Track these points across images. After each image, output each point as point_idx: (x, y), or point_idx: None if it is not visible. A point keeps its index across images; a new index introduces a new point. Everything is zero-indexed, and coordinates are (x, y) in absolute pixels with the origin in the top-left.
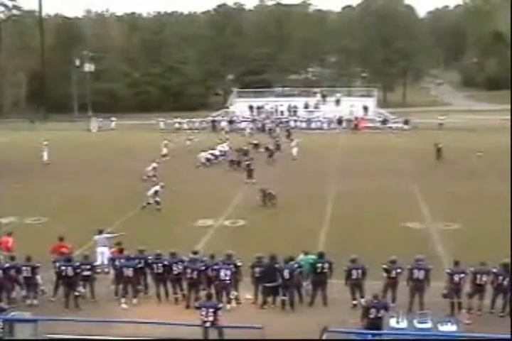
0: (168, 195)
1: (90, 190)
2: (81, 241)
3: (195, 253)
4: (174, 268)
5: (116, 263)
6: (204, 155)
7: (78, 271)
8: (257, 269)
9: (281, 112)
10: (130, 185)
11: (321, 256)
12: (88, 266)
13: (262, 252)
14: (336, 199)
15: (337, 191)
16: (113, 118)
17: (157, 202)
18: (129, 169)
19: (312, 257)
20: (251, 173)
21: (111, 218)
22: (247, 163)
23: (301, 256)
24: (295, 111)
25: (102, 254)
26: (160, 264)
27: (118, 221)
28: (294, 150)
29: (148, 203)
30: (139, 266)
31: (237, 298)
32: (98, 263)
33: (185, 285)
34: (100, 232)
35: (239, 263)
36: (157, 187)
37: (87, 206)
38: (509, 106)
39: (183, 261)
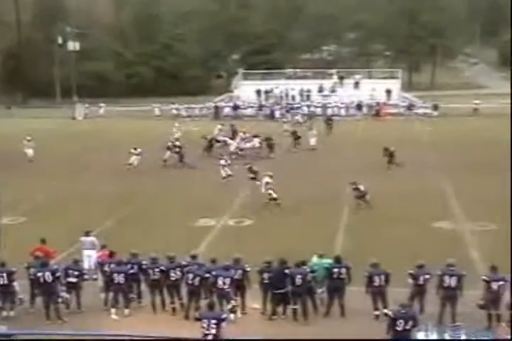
0: (166, 191)
1: (77, 187)
2: (66, 244)
3: (193, 257)
4: (172, 274)
5: (106, 268)
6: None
7: (58, 275)
8: (266, 275)
9: (293, 97)
10: (122, 181)
11: (337, 259)
12: (76, 272)
13: (271, 256)
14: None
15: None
16: (101, 104)
17: (270, 196)
18: (120, 162)
19: (327, 261)
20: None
21: (100, 218)
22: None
23: (315, 260)
24: (308, 96)
25: (89, 258)
26: (156, 269)
27: (108, 221)
28: (313, 140)
29: (274, 199)
30: (132, 271)
31: (233, 308)
32: (85, 268)
33: (184, 293)
34: (87, 234)
35: (247, 269)
36: (266, 179)
37: (73, 204)
38: None
39: (181, 266)
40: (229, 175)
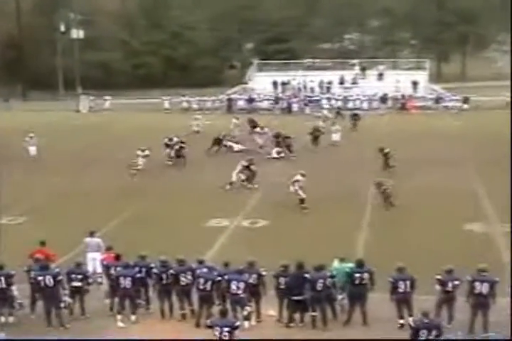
0: (174, 189)
1: (80, 185)
2: (68, 245)
3: (200, 262)
4: (182, 279)
5: (112, 271)
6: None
7: (59, 278)
8: (282, 279)
9: (312, 89)
10: (128, 179)
11: (359, 263)
12: (80, 276)
13: (288, 259)
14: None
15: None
16: (107, 97)
17: (298, 196)
18: (127, 159)
19: (349, 265)
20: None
21: (105, 217)
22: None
23: (336, 264)
24: (328, 88)
25: (94, 261)
26: (165, 273)
27: (113, 221)
28: (337, 136)
29: (301, 200)
30: (139, 275)
31: (248, 315)
32: (89, 271)
33: (195, 298)
34: (92, 234)
35: (263, 273)
36: (298, 177)
37: (75, 203)
38: None
39: (192, 270)
40: (244, 180)
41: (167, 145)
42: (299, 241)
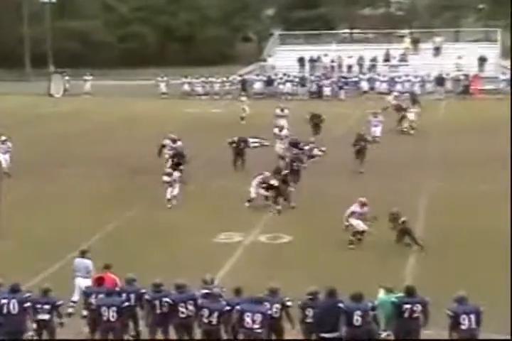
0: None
1: (56, 187)
2: (34, 269)
3: (205, 282)
4: (181, 309)
5: (92, 300)
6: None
7: (27, 305)
8: (310, 311)
9: (349, 67)
10: (115, 180)
11: (410, 292)
12: (47, 306)
13: (316, 284)
14: (430, 203)
15: (432, 190)
16: (87, 77)
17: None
18: (111, 156)
19: (398, 296)
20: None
21: (86, 229)
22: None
23: (382, 296)
24: (372, 66)
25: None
26: (159, 301)
27: (98, 233)
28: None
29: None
30: (127, 304)
31: None
32: (75, 299)
33: (198, 334)
34: (83, 254)
35: (288, 303)
36: (355, 208)
37: (50, 210)
38: None
39: (195, 299)
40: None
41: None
42: (329, 261)
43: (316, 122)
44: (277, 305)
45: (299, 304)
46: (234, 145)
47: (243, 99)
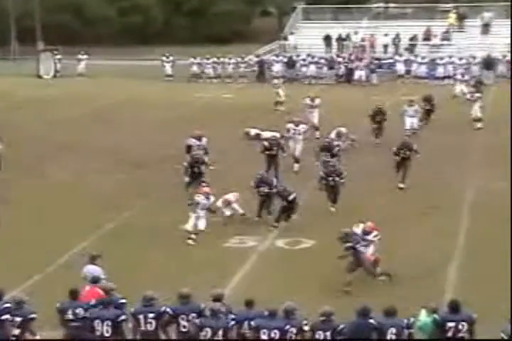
0: (184, 193)
1: (46, 182)
2: (16, 277)
3: (216, 299)
4: (182, 323)
5: (69, 315)
6: None
7: (4, 318)
8: (321, 334)
9: (385, 47)
10: (113, 174)
11: (454, 307)
12: (18, 319)
13: (341, 298)
14: (475, 204)
15: (479, 192)
16: (81, 56)
17: None
18: (109, 147)
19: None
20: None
21: (80, 230)
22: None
23: (424, 317)
24: (410, 46)
25: None
26: (143, 316)
27: (92, 235)
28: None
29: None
30: (123, 317)
31: None
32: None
33: None
34: (93, 259)
35: (306, 327)
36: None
37: (39, 209)
38: None
39: (200, 313)
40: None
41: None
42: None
43: (379, 119)
44: (293, 330)
45: (310, 325)
46: (267, 152)
47: (276, 81)
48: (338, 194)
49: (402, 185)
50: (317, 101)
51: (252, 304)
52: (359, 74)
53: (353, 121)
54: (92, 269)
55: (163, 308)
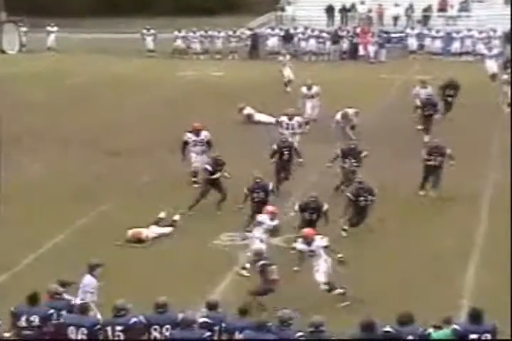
0: (167, 185)
1: (11, 174)
2: None
3: (211, 306)
4: (154, 333)
5: (22, 322)
6: None
7: None
8: None
9: (395, 19)
10: (87, 164)
11: (475, 316)
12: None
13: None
14: (494, 199)
15: (498, 187)
16: (51, 28)
17: None
18: (83, 133)
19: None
20: None
21: (49, 227)
22: None
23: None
24: (424, 18)
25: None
26: (111, 328)
27: (63, 232)
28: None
29: None
30: (98, 327)
31: None
32: None
33: None
34: (92, 269)
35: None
36: None
37: (4, 202)
38: None
39: (176, 324)
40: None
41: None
42: (362, 271)
43: (427, 113)
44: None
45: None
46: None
47: (281, 58)
48: (366, 217)
49: (432, 193)
50: (315, 89)
51: (246, 313)
52: (367, 50)
53: (358, 105)
54: (87, 280)
55: (133, 319)
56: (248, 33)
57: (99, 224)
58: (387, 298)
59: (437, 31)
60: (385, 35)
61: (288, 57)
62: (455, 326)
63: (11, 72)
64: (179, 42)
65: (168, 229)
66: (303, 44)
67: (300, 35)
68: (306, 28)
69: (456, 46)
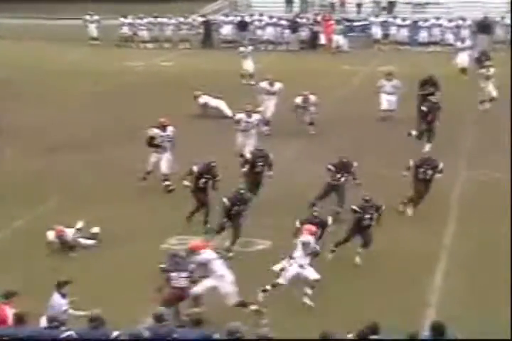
0: (114, 185)
1: None
2: None
3: (157, 319)
4: None
5: None
6: None
7: None
8: None
9: (358, 6)
10: (25, 160)
11: (437, 329)
12: None
13: (306, 313)
14: (463, 197)
15: (468, 184)
16: None
17: None
18: (20, 127)
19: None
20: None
21: None
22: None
23: None
24: (389, 5)
25: None
26: None
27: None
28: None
29: None
30: None
31: None
32: None
33: None
34: (59, 287)
35: None
36: None
37: None
38: None
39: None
40: None
41: None
42: (326, 277)
43: (430, 119)
44: None
45: None
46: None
47: (242, 49)
48: (371, 235)
49: (403, 209)
50: (277, 85)
51: (200, 323)
52: (328, 38)
53: (318, 97)
54: (55, 301)
55: (66, 333)
56: (200, 20)
57: (35, 228)
58: (350, 307)
59: (403, 19)
60: (347, 24)
61: (250, 48)
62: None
63: None
64: (125, 30)
65: (90, 242)
66: (259, 32)
67: (256, 23)
68: (261, 15)
69: (423, 35)
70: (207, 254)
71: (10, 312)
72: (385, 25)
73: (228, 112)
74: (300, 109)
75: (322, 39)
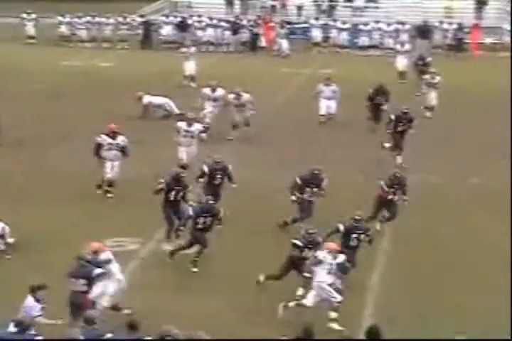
0: (47, 183)
1: None
2: None
3: (88, 321)
4: None
5: None
6: None
7: None
8: None
9: (299, 9)
10: None
11: (372, 336)
12: None
13: (244, 320)
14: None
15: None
16: None
17: None
18: None
19: None
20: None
21: None
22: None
23: None
24: (329, 8)
25: None
26: None
27: None
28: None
29: None
30: None
31: None
32: None
33: None
34: (33, 291)
35: None
36: None
37: None
38: None
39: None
40: None
41: None
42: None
43: (401, 129)
44: None
45: None
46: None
47: (185, 50)
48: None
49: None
50: (219, 92)
51: (135, 328)
52: (269, 41)
53: (256, 101)
54: (29, 303)
55: None
56: (140, 20)
57: None
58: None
59: (343, 23)
60: (288, 26)
61: (193, 49)
62: None
63: None
64: (63, 29)
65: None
66: (200, 33)
67: (196, 24)
68: (199, 16)
69: (363, 39)
70: (106, 255)
71: None
72: (325, 28)
73: (175, 109)
74: (233, 107)
75: (263, 41)
